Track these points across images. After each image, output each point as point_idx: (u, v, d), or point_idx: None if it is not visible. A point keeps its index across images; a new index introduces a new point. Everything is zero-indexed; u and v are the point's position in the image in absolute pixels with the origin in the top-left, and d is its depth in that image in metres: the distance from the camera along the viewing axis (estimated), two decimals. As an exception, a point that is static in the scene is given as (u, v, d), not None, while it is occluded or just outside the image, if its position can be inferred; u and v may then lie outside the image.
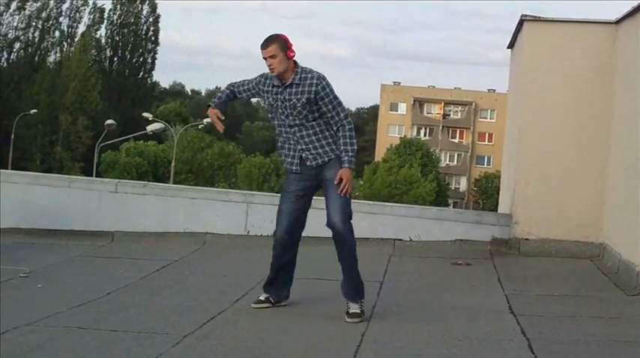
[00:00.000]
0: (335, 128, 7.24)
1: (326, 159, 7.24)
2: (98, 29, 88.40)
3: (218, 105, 7.44)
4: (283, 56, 7.11)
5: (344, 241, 7.28)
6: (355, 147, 7.25)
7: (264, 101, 7.40)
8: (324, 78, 7.20)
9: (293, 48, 7.17)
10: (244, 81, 7.49)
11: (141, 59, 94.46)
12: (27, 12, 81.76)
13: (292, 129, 7.24)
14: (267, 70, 7.24)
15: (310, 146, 7.23)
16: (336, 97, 7.22)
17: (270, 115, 7.44)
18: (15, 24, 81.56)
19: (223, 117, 7.37)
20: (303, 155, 7.25)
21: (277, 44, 7.12)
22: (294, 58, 7.18)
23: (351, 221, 7.27)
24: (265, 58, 7.14)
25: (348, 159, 7.16)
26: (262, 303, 7.44)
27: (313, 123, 7.23)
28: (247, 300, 7.61)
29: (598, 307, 7.71)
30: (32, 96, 76.27)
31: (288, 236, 7.42)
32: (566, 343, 6.36)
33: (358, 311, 7.11)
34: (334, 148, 7.25)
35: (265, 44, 7.16)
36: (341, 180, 7.12)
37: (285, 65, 7.13)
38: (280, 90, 7.21)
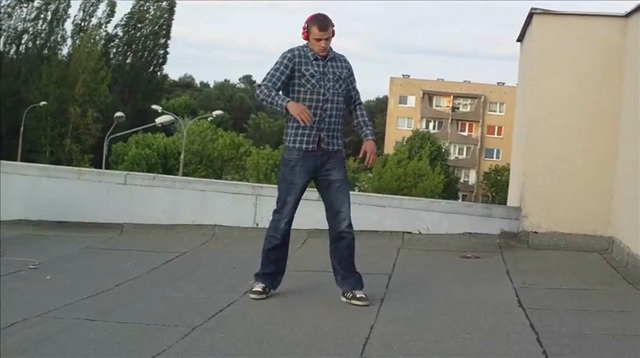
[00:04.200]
0: (353, 106, 7.56)
1: (336, 147, 7.38)
2: (109, 22, 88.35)
3: (287, 98, 7.24)
4: (331, 38, 7.36)
5: (353, 241, 7.42)
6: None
7: (301, 73, 7.29)
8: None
9: None
10: (274, 74, 7.26)
11: (152, 54, 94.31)
12: (35, 3, 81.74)
13: (325, 106, 7.29)
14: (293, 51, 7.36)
15: (331, 127, 7.33)
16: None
17: (301, 90, 7.30)
18: (23, 15, 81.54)
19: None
20: (322, 134, 7.30)
21: (332, 26, 7.31)
22: None
23: None
24: (320, 39, 7.23)
25: (371, 132, 7.51)
26: (262, 294, 7.45)
27: (342, 103, 7.42)
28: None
29: (606, 301, 7.69)
30: (41, 89, 76.28)
31: (289, 227, 7.48)
32: (574, 336, 6.36)
33: (365, 295, 7.31)
34: (341, 142, 7.45)
35: (325, 25, 7.26)
36: (364, 158, 7.37)
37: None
38: (323, 63, 7.33)
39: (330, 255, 7.48)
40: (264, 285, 7.48)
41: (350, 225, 7.35)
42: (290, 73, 7.28)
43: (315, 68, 7.30)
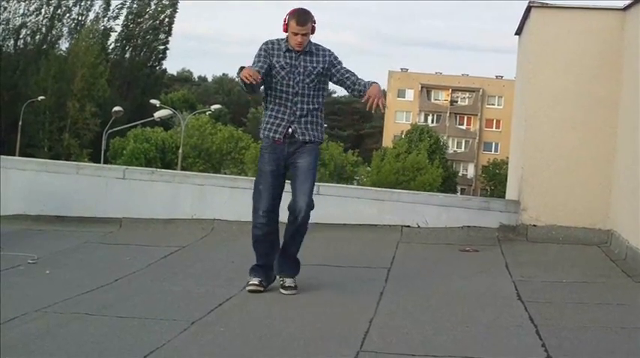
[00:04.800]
0: (353, 81, 7.40)
1: (307, 138, 7.40)
2: (105, 16, 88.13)
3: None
4: (310, 34, 7.33)
5: (303, 227, 7.44)
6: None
7: (272, 65, 7.31)
8: (332, 51, 7.50)
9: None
10: (255, 61, 7.31)
11: (152, 49, 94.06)
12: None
13: (295, 99, 7.34)
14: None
15: (303, 119, 7.35)
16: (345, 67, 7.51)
17: (272, 81, 7.33)
18: (21, 10, 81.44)
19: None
20: (292, 127, 7.34)
21: (311, 22, 7.29)
22: None
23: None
24: (297, 34, 7.23)
25: (369, 81, 7.36)
26: (258, 287, 7.48)
27: (318, 98, 7.42)
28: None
29: (605, 293, 7.70)
30: (39, 83, 76.21)
31: (270, 216, 7.49)
32: (573, 329, 6.36)
33: (294, 285, 7.41)
34: (318, 135, 7.48)
35: (304, 21, 7.25)
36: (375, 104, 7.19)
37: (308, 41, 7.35)
38: (295, 56, 7.33)
39: (285, 233, 7.55)
40: (259, 278, 7.51)
41: (301, 206, 7.32)
42: (269, 60, 7.30)
43: (287, 60, 7.33)
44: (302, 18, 7.24)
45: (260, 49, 7.39)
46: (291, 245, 7.52)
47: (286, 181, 7.61)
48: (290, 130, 7.36)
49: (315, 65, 7.37)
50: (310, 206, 7.36)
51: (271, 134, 7.39)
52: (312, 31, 7.33)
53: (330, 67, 7.43)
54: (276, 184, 7.48)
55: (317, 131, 7.48)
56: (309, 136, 7.42)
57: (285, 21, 7.30)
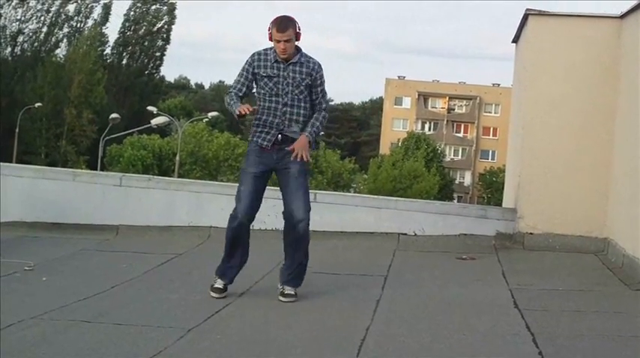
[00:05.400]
0: (314, 111, 7.48)
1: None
2: (104, 24, 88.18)
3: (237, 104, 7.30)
4: (294, 40, 7.29)
5: (305, 236, 7.45)
6: (321, 132, 7.60)
7: (260, 76, 7.34)
8: (321, 66, 7.47)
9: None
10: (238, 80, 7.44)
11: (149, 56, 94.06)
12: (30, 3, 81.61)
13: (284, 109, 7.34)
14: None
15: (292, 129, 7.36)
16: (324, 88, 7.53)
17: (261, 91, 7.38)
18: (18, 16, 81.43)
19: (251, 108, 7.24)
20: (281, 135, 7.35)
21: (293, 29, 7.27)
22: None
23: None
24: (279, 41, 7.21)
25: (310, 131, 7.40)
26: (223, 292, 7.52)
27: (306, 104, 7.42)
28: (252, 294, 7.62)
29: (602, 302, 7.70)
30: (36, 90, 76.20)
31: (247, 218, 7.47)
32: (570, 337, 6.36)
33: (294, 292, 7.39)
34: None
35: (284, 27, 7.23)
36: (298, 157, 7.28)
37: (293, 48, 7.32)
38: (283, 66, 7.33)
39: (284, 244, 7.55)
40: (225, 283, 7.57)
41: (301, 216, 7.34)
42: (252, 76, 7.37)
43: (275, 71, 7.33)
44: (282, 25, 7.23)
45: (245, 63, 7.43)
46: (295, 254, 7.48)
47: (271, 187, 7.63)
48: (279, 138, 7.37)
49: (303, 76, 7.35)
50: (308, 216, 7.37)
51: (259, 141, 7.39)
52: (297, 37, 7.30)
53: (313, 83, 7.42)
54: (259, 188, 7.48)
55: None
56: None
57: (269, 30, 7.30)
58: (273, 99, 7.34)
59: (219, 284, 7.56)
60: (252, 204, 7.45)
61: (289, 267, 7.50)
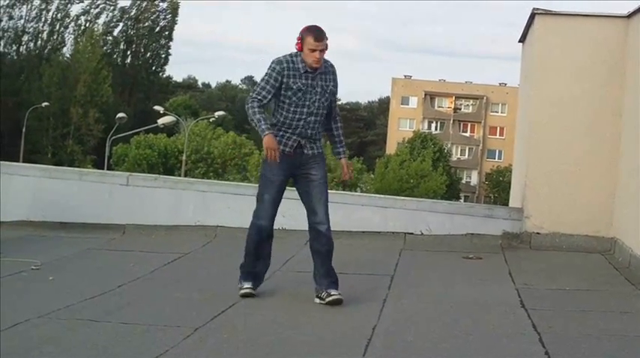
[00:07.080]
0: (333, 119, 7.58)
1: (316, 151, 7.44)
2: (116, 26, 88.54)
3: (270, 129, 7.20)
4: (325, 50, 7.28)
5: (330, 242, 7.46)
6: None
7: (289, 87, 7.24)
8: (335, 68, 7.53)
9: None
10: (264, 87, 7.25)
11: (154, 54, 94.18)
12: (36, 2, 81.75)
13: (309, 118, 7.32)
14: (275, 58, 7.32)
15: (312, 135, 7.39)
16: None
17: (286, 101, 7.28)
18: (23, 15, 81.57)
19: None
20: (302, 141, 7.35)
21: (326, 40, 7.23)
22: None
23: None
24: (315, 50, 7.16)
25: (344, 151, 7.68)
26: (252, 290, 7.53)
27: (324, 115, 7.44)
28: (259, 293, 7.60)
29: (609, 301, 7.69)
30: (42, 89, 76.28)
31: (271, 224, 7.53)
32: (576, 337, 6.35)
33: (339, 294, 7.33)
34: (320, 144, 7.52)
35: (321, 36, 7.20)
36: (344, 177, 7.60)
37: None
38: (312, 76, 7.28)
39: (312, 252, 7.55)
40: (251, 283, 7.56)
41: (326, 224, 7.40)
42: (279, 85, 7.25)
43: (304, 81, 7.25)
44: (320, 33, 7.18)
45: (273, 70, 7.24)
46: (325, 262, 7.46)
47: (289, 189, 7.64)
48: (301, 143, 7.35)
49: (328, 83, 7.34)
50: (330, 222, 7.44)
51: (281, 146, 7.27)
52: (326, 47, 7.25)
53: (334, 89, 7.46)
54: (281, 194, 7.50)
55: (319, 143, 7.52)
56: (316, 148, 7.44)
57: (299, 39, 7.21)
58: (299, 109, 7.28)
59: (247, 285, 7.55)
60: (274, 212, 7.51)
61: (328, 274, 7.44)
